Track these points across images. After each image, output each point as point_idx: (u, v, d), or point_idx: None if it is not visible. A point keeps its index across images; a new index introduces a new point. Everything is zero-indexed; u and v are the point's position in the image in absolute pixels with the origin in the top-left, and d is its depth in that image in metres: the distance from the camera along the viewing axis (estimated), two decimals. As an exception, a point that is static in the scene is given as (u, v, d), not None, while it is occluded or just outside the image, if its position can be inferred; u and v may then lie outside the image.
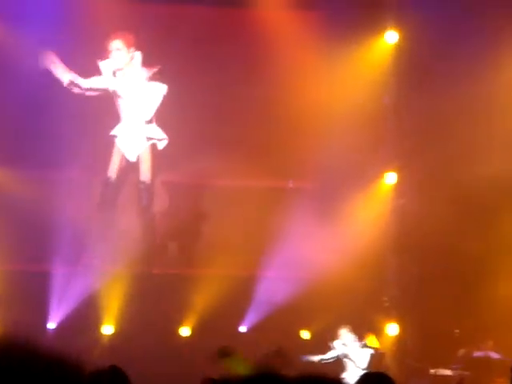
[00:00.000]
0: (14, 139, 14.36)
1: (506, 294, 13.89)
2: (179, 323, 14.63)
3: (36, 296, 13.84)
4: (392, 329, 14.68)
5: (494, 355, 13.84)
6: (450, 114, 14.03)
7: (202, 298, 14.29)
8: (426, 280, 14.40)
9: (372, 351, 12.59)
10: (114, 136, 15.01)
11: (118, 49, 14.97)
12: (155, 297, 14.18)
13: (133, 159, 15.01)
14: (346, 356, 12.81)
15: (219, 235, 14.60)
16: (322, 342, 13.81)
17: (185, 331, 14.69)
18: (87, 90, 14.81)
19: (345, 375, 12.41)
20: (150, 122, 15.05)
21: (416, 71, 14.51)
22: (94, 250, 14.37)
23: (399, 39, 14.92)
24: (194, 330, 14.62)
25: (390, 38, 14.98)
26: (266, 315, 14.34)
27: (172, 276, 14.67)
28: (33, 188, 14.01)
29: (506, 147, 14.10)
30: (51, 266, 14.15)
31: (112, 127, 15.00)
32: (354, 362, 12.78)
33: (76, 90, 14.68)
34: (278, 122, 14.72)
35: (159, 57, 15.03)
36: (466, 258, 14.02)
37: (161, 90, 15.04)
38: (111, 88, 14.96)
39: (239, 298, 14.28)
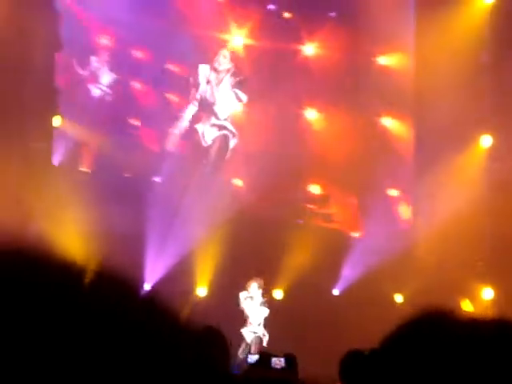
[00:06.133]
0: None
1: None
2: (274, 285, 14.70)
3: (132, 257, 14.04)
4: (487, 293, 14.47)
5: None
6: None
7: (296, 261, 14.33)
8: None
9: (267, 312, 12.41)
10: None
11: (224, 56, 15.38)
12: (247, 260, 14.25)
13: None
14: (243, 310, 12.62)
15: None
16: (414, 306, 13.73)
17: (278, 294, 14.77)
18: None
19: (243, 330, 12.25)
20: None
21: (513, 30, 14.19)
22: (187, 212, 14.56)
23: (496, -1, 14.63)
24: (286, 293, 14.71)
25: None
26: (359, 278, 14.31)
27: (265, 239, 14.76)
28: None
29: None
30: (147, 228, 14.36)
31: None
32: (248, 317, 12.56)
33: None
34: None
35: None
36: None
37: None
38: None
39: (333, 260, 14.31)
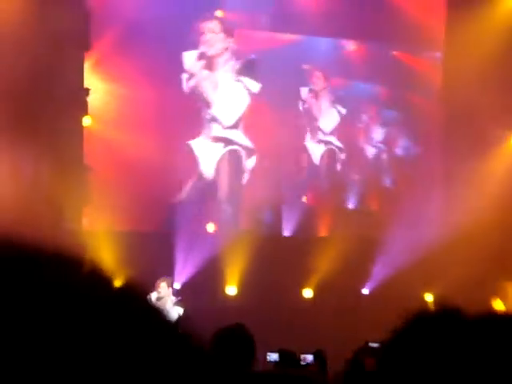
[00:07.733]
0: None
1: None
2: (302, 285, 14.67)
3: (161, 257, 14.06)
4: (518, 292, 14.36)
5: None
6: None
7: (326, 260, 14.29)
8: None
9: (181, 312, 12.07)
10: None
11: (213, 31, 13.94)
12: (277, 259, 14.23)
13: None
14: None
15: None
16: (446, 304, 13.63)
17: (307, 293, 14.73)
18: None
19: None
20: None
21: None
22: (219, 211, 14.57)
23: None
24: (316, 292, 14.66)
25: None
26: (388, 277, 14.24)
27: (296, 239, 14.74)
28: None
29: None
30: (176, 228, 14.37)
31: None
32: None
33: None
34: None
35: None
36: None
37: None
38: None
39: (363, 259, 14.25)
